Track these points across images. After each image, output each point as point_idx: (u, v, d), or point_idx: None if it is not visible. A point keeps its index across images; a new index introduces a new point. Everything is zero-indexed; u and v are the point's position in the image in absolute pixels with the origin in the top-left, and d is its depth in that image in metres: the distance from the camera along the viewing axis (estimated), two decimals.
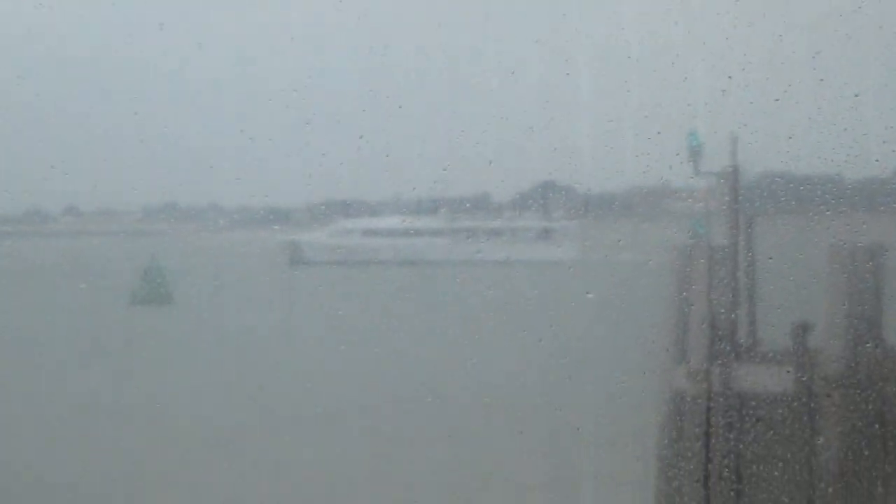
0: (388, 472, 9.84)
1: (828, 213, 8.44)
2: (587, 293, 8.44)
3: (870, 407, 7.98)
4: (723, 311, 8.74)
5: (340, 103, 9.02)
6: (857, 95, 7.86)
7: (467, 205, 11.23)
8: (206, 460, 10.11)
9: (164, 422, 10.25)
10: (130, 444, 10.03)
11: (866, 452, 7.75)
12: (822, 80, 7.90)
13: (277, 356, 10.45)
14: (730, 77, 8.20)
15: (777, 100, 7.90)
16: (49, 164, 8.91)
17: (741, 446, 8.07)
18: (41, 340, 10.83)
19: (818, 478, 7.47)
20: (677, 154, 8.64)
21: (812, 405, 8.19)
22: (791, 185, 8.61)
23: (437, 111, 9.15)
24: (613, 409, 8.55)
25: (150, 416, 10.49)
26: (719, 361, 8.49)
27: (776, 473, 7.57)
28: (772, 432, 8.04)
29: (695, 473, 7.88)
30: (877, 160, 8.13)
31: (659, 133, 8.34)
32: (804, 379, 8.28)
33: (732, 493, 7.70)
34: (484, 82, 9.24)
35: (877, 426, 7.75)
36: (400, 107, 8.71)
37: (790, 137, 8.21)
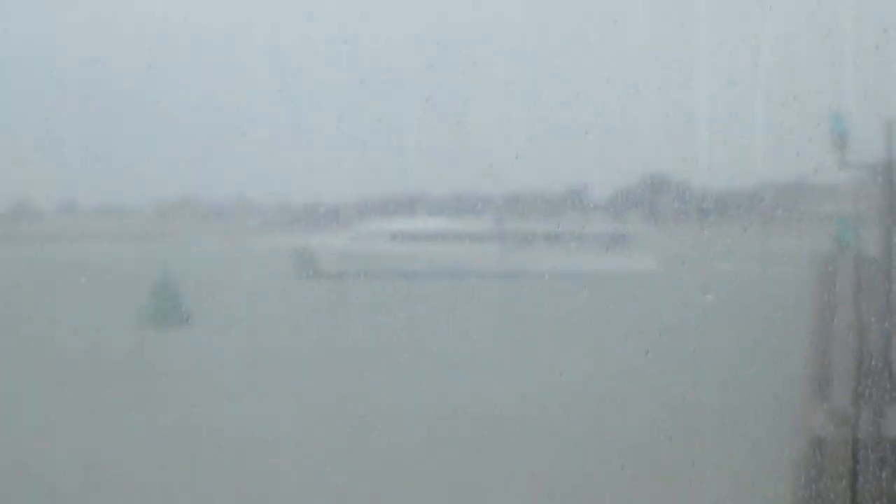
0: None
1: None
2: (697, 307, 7.02)
3: None
4: (875, 337, 6.81)
5: (361, 79, 7.41)
6: None
7: (529, 204, 8.53)
8: None
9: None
10: None
11: None
12: None
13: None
14: (877, 47, 6.42)
15: None
16: (38, 152, 7.12)
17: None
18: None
19: None
20: (817, 142, 6.81)
21: None
22: None
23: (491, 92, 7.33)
24: (733, 449, 7.22)
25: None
26: (870, 401, 6.60)
27: None
28: None
29: None
30: None
31: (795, 118, 6.69)
32: None
33: None
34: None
35: None
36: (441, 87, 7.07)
37: None
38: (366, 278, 9.13)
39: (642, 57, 7.21)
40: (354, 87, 7.46)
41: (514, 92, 7.09)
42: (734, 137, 6.95)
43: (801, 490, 6.82)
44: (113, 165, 7.74)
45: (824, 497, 6.60)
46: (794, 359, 7.25)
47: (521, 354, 7.99)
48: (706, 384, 7.26)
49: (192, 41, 7.56)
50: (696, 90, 7.18)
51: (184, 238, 8.54)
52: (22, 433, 8.64)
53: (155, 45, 7.53)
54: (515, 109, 6.89)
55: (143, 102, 7.52)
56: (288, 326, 8.14)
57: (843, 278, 7.19)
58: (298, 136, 7.20)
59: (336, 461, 8.70)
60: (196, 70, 7.70)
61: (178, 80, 7.23)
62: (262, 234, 8.27)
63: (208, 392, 9.26)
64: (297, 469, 8.70)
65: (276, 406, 9.09)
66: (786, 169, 6.93)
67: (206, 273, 8.33)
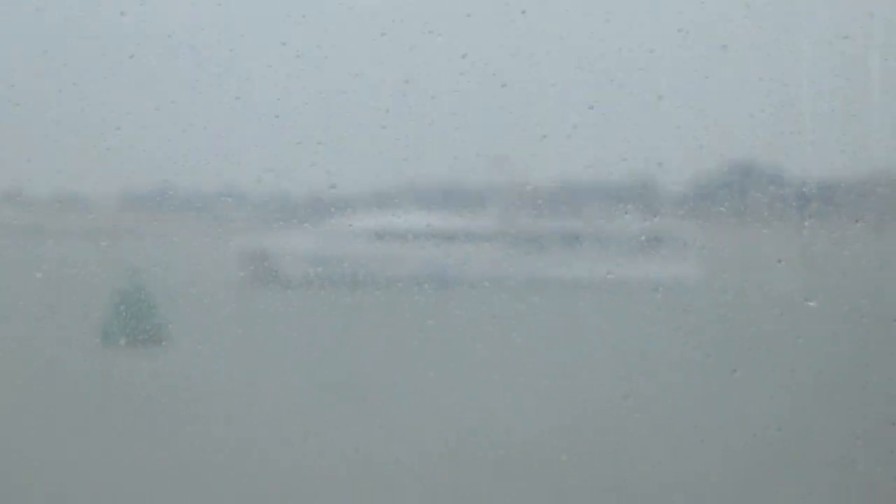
0: None
1: None
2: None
3: None
4: None
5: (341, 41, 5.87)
6: None
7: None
8: None
9: None
10: None
11: None
12: None
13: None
14: None
15: None
16: None
17: None
18: None
19: None
20: None
21: None
22: None
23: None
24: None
25: None
26: None
27: None
28: None
29: None
30: None
31: None
32: None
33: None
34: None
35: None
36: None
37: None
38: (338, 286, 6.91)
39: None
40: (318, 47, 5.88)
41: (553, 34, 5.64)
42: (844, 119, 5.62)
43: None
44: (70, 147, 6.16)
45: None
46: None
47: (539, 384, 6.32)
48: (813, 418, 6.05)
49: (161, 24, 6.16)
50: (801, 67, 5.86)
51: (157, 236, 6.60)
52: None
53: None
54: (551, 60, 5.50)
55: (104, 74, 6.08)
56: (233, 346, 6.38)
57: None
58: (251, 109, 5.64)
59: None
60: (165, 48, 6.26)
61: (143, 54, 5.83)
62: (209, 230, 6.29)
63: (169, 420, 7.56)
64: None
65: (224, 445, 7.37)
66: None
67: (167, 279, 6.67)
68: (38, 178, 6.13)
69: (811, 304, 5.75)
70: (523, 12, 5.46)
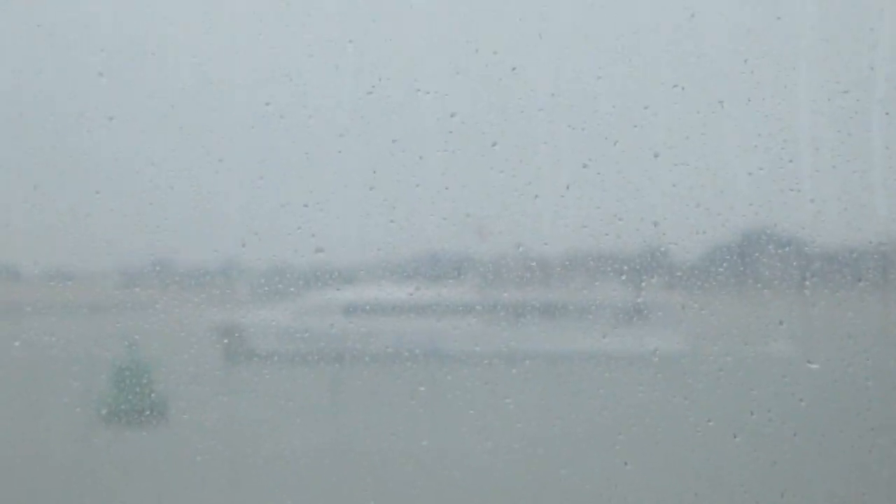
0: None
1: None
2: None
3: None
4: None
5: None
6: None
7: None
8: None
9: None
10: None
11: None
12: None
13: None
14: None
15: None
16: None
17: None
18: None
19: None
20: None
21: None
22: None
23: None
24: None
25: None
26: None
27: None
28: None
29: None
30: None
31: None
32: None
33: None
34: None
35: None
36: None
37: None
38: (310, 361, 6.68)
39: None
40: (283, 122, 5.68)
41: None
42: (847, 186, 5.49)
43: None
44: (47, 212, 5.94)
45: None
46: None
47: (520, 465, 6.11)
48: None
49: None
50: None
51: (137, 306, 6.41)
52: None
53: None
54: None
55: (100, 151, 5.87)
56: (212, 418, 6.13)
57: None
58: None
59: None
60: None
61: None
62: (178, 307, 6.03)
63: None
64: None
65: None
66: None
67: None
68: (9, 243, 5.94)
69: (813, 366, 5.55)
70: (513, 69, 5.28)
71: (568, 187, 5.40)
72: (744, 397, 5.75)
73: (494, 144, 5.35)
